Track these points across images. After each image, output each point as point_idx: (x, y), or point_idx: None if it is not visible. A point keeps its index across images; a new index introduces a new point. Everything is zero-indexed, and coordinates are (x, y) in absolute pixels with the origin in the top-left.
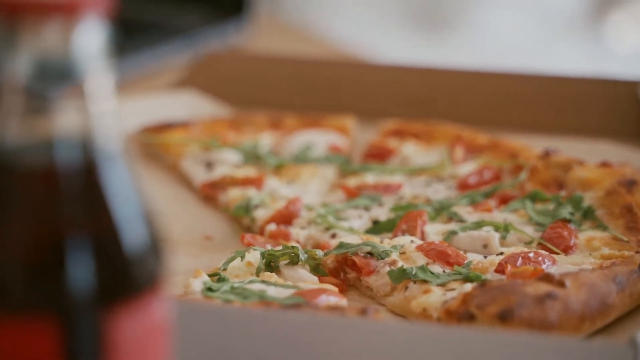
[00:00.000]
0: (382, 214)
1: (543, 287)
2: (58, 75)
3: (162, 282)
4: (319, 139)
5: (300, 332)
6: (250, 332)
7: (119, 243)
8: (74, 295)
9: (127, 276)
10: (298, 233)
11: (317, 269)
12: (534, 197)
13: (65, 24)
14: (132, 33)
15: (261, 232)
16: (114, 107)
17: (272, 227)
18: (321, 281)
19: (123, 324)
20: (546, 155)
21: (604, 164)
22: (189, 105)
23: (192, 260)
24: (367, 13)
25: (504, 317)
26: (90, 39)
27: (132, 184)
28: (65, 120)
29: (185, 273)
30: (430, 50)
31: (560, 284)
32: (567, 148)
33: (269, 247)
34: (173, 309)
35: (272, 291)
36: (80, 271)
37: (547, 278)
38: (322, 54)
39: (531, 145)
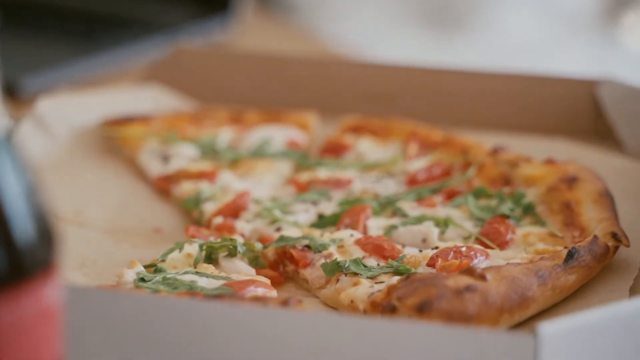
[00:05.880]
0: (329, 208)
1: (464, 280)
2: None
3: (55, 268)
4: (278, 134)
5: (221, 322)
6: (170, 321)
7: (6, 230)
8: None
9: (15, 262)
10: (243, 226)
11: (255, 261)
12: (479, 194)
13: None
14: (116, 28)
15: (208, 225)
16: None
17: (218, 220)
18: (259, 273)
19: (10, 308)
20: (495, 152)
21: (549, 161)
22: (153, 100)
23: (138, 252)
24: (377, 13)
25: (422, 309)
26: None
27: (22, 173)
28: None
29: (128, 264)
30: (440, 50)
31: (482, 277)
32: (522, 146)
33: (212, 239)
34: (94, 298)
35: (203, 282)
36: None
37: (469, 271)
38: (296, 52)
39: (484, 142)
